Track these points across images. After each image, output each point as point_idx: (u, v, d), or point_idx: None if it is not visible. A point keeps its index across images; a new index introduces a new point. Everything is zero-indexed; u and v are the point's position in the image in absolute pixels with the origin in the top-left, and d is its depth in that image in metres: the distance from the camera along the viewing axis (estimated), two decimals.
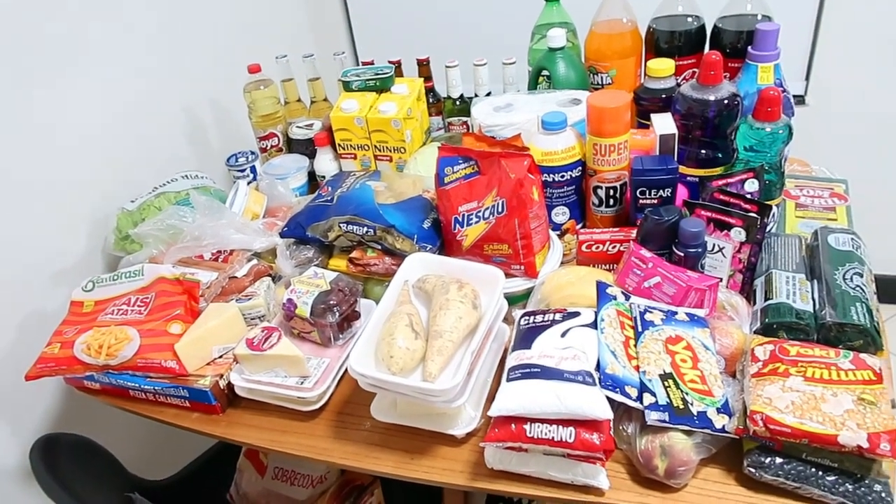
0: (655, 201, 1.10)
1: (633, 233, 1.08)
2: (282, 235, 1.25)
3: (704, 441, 0.84)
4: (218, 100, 1.75)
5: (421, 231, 1.15)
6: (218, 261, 1.21)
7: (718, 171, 1.14)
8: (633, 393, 0.87)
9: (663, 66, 1.22)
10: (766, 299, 0.97)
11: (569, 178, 1.17)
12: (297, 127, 1.55)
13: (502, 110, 1.31)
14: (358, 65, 1.73)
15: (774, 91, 1.06)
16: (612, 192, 1.16)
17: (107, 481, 1.18)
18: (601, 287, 0.99)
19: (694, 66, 1.32)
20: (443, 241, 1.16)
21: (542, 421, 0.83)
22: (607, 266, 1.13)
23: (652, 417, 0.84)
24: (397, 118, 1.35)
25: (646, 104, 1.24)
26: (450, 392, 0.88)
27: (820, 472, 0.79)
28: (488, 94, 1.47)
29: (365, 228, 1.15)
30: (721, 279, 1.04)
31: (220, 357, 1.10)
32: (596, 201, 1.18)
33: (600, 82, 1.40)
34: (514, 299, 1.10)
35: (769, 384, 0.83)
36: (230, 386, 1.07)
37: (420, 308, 1.02)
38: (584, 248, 1.13)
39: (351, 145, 1.43)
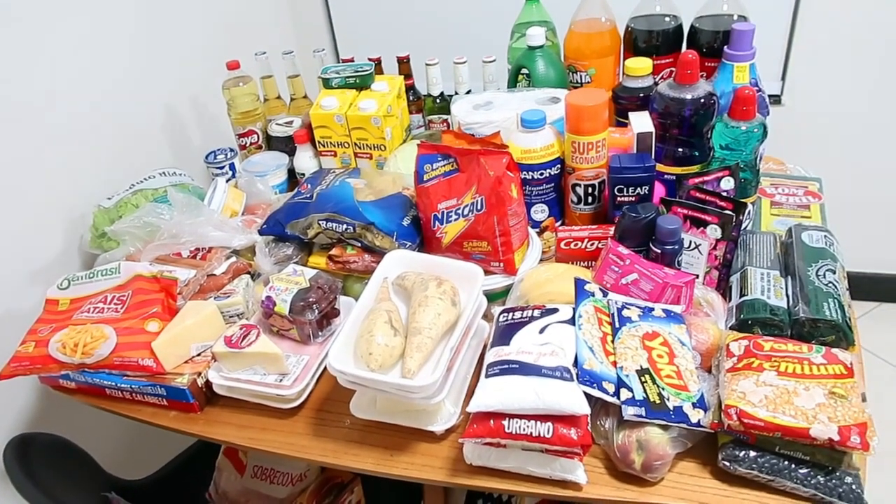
0: (633, 199, 1.11)
1: (611, 230, 1.09)
2: (261, 233, 1.25)
3: (680, 435, 0.85)
4: (196, 96, 1.74)
5: (400, 228, 1.15)
6: (196, 258, 1.20)
7: (695, 169, 1.15)
8: (611, 388, 0.87)
9: (641, 66, 1.23)
10: (742, 295, 0.98)
11: (548, 175, 1.17)
12: (277, 124, 1.54)
13: (482, 108, 1.32)
14: (338, 62, 1.72)
15: (749, 90, 1.07)
16: (590, 189, 1.17)
17: (83, 481, 1.17)
18: (579, 284, 1.00)
19: (671, 65, 1.33)
20: (422, 238, 1.16)
21: (521, 417, 0.84)
22: (586, 263, 1.13)
23: (629, 412, 0.85)
24: (377, 115, 1.35)
25: (624, 103, 1.25)
26: (428, 388, 0.88)
27: (793, 465, 0.80)
28: (468, 92, 1.47)
29: (344, 226, 1.14)
30: (697, 276, 1.05)
31: (199, 355, 1.09)
32: (574, 199, 1.19)
33: (579, 81, 1.41)
34: (493, 296, 1.10)
35: (743, 379, 0.84)
36: (208, 384, 1.06)
37: (399, 305, 1.02)
38: (562, 245, 1.14)
39: (331, 142, 1.42)
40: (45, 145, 1.32)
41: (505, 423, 0.84)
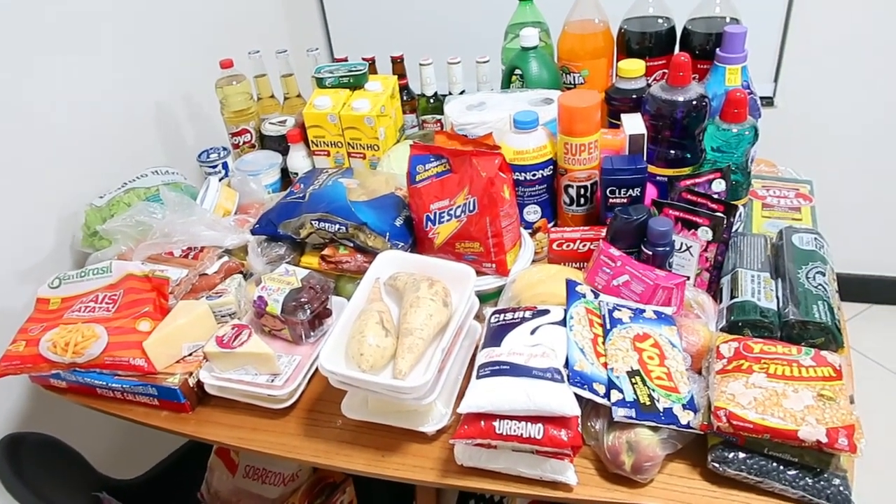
0: (625, 200, 1.11)
1: (603, 231, 1.09)
2: (253, 232, 1.24)
3: (670, 437, 0.85)
4: (189, 95, 1.73)
5: (393, 229, 1.15)
6: (188, 258, 1.20)
7: (687, 171, 1.16)
8: (601, 390, 0.88)
9: (634, 67, 1.23)
10: (732, 297, 0.99)
11: (540, 176, 1.18)
12: (270, 123, 1.54)
13: (475, 109, 1.32)
14: (332, 61, 1.72)
15: (741, 93, 1.08)
16: (582, 190, 1.17)
17: (74, 481, 1.17)
18: (571, 285, 1.00)
19: (664, 67, 1.34)
20: (415, 238, 1.16)
21: (511, 418, 0.84)
22: (577, 264, 1.14)
23: (619, 414, 0.85)
24: (371, 115, 1.35)
25: (616, 104, 1.25)
26: (420, 389, 0.88)
27: (781, 467, 0.81)
28: (462, 93, 1.47)
29: (337, 226, 1.14)
30: (688, 277, 1.05)
31: (190, 355, 1.09)
32: (567, 200, 1.19)
33: (573, 82, 1.41)
34: (485, 297, 1.10)
35: (733, 381, 0.85)
36: (200, 384, 1.06)
37: (391, 305, 1.02)
38: (554, 246, 1.14)
39: (324, 142, 1.42)
40: (37, 143, 1.32)
41: (496, 424, 0.84)
